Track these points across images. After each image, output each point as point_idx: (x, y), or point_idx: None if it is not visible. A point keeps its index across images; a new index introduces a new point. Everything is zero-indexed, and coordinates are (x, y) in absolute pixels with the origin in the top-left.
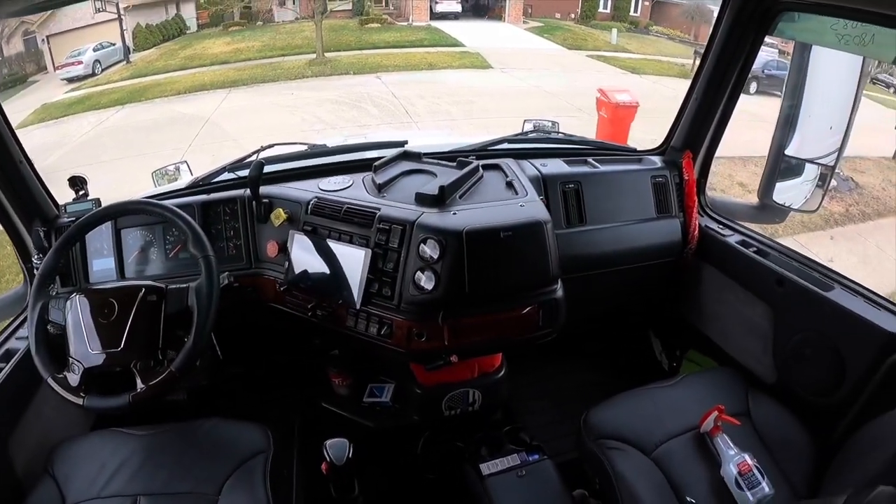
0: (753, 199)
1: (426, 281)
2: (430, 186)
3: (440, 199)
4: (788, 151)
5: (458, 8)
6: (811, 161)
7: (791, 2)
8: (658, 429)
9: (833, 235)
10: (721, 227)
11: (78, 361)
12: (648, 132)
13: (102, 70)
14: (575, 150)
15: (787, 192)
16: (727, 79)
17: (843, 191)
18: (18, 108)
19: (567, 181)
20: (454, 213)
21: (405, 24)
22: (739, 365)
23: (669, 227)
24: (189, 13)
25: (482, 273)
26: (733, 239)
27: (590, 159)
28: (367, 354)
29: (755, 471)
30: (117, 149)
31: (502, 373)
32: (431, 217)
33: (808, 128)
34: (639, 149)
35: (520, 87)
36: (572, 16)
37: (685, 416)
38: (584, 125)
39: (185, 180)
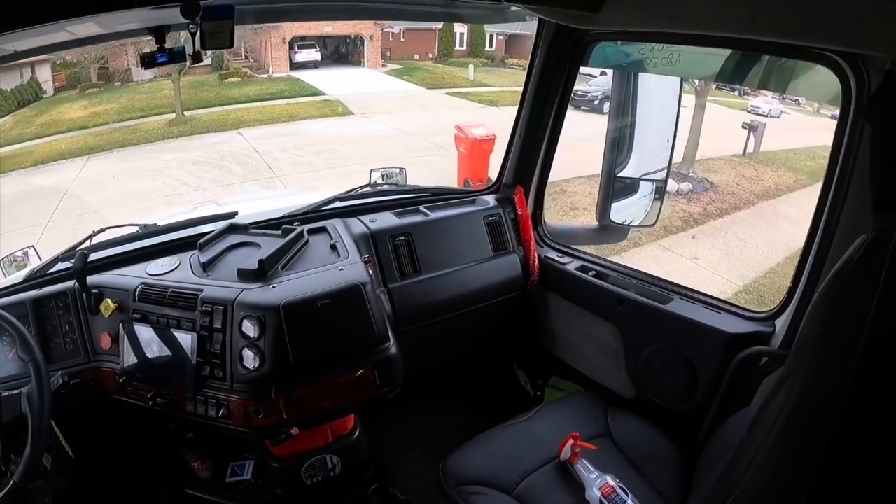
0: (594, 221)
1: (251, 359)
2: (252, 261)
3: (261, 274)
4: (626, 172)
5: (317, 56)
6: (644, 178)
7: (599, 32)
8: (517, 465)
9: (695, 235)
10: (560, 255)
11: None
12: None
13: None
14: (407, 199)
15: (626, 209)
16: (547, 111)
17: (699, 192)
18: None
19: (397, 234)
20: (273, 287)
21: (265, 76)
22: (599, 385)
23: (509, 263)
24: (45, 76)
25: (305, 344)
26: (573, 266)
27: (422, 207)
28: (220, 435)
29: (618, 490)
30: None
31: (357, 433)
32: (251, 294)
33: (645, 146)
34: (474, 188)
35: (382, 131)
36: (430, 56)
37: (544, 447)
38: (445, 161)
39: (34, 265)
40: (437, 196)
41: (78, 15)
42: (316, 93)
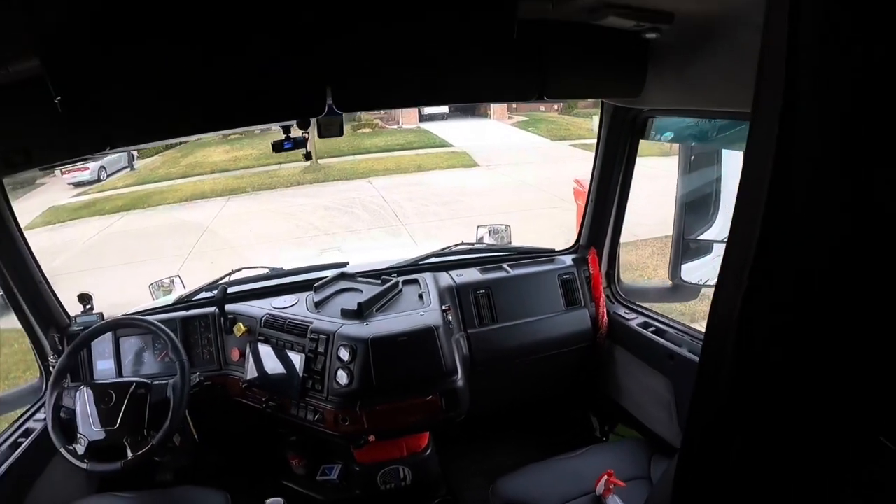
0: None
1: (344, 378)
2: (353, 303)
3: (358, 314)
4: (709, 235)
5: (445, 109)
6: (715, 241)
7: (654, 109)
8: (556, 493)
9: None
10: (627, 311)
11: (84, 436)
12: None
13: (108, 176)
14: (492, 257)
15: (699, 269)
16: (615, 180)
17: None
18: (27, 210)
19: (479, 287)
20: (366, 325)
21: (395, 127)
22: (653, 434)
23: (579, 317)
24: None
25: (386, 370)
26: (636, 322)
27: (505, 265)
28: (317, 440)
29: None
30: (120, 255)
31: (429, 452)
32: (349, 328)
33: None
34: (557, 248)
35: (505, 182)
36: (556, 107)
37: (584, 481)
38: (566, 213)
39: (178, 292)
40: (521, 255)
41: (224, 128)
42: (443, 144)
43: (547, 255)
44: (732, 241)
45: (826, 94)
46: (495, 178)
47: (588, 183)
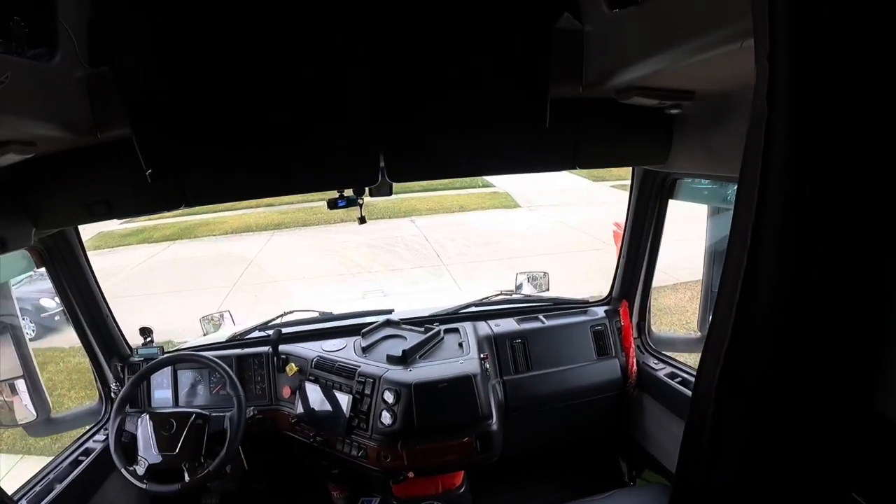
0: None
1: (387, 419)
2: (397, 350)
3: (403, 360)
4: None
5: None
6: None
7: (681, 172)
8: None
9: None
10: (656, 361)
11: (144, 459)
12: (669, 251)
13: None
14: (529, 307)
15: None
16: (645, 236)
17: None
18: None
19: (515, 337)
20: (410, 370)
21: None
22: None
23: (609, 367)
24: None
25: (427, 413)
26: (664, 372)
27: (540, 316)
28: (357, 474)
29: None
30: (168, 282)
31: (463, 489)
32: (394, 373)
33: None
34: (591, 299)
35: (546, 224)
36: None
37: None
38: (605, 255)
39: (227, 326)
40: (556, 305)
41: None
42: (486, 185)
43: (580, 306)
44: (713, 323)
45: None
46: (536, 220)
47: None
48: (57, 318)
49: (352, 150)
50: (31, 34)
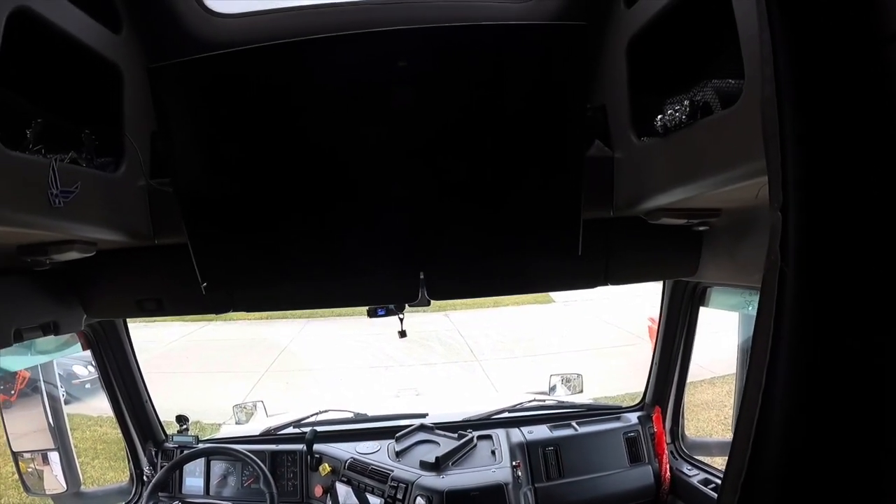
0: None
1: None
2: (431, 456)
3: (436, 466)
4: None
5: None
6: None
7: (710, 283)
8: None
9: None
10: (690, 467)
11: None
12: (704, 343)
13: None
14: (562, 414)
15: None
16: (677, 343)
17: None
18: None
19: (547, 444)
20: (443, 477)
21: None
22: None
23: (642, 473)
24: None
25: None
26: (698, 478)
27: (573, 423)
28: None
29: None
30: (200, 362)
31: None
32: (427, 479)
33: None
34: (625, 405)
35: (581, 319)
36: None
37: None
38: (639, 352)
39: (259, 415)
40: (590, 411)
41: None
42: None
43: (613, 412)
44: (732, 452)
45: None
46: (571, 315)
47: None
48: (87, 385)
49: (394, 272)
50: (100, 145)
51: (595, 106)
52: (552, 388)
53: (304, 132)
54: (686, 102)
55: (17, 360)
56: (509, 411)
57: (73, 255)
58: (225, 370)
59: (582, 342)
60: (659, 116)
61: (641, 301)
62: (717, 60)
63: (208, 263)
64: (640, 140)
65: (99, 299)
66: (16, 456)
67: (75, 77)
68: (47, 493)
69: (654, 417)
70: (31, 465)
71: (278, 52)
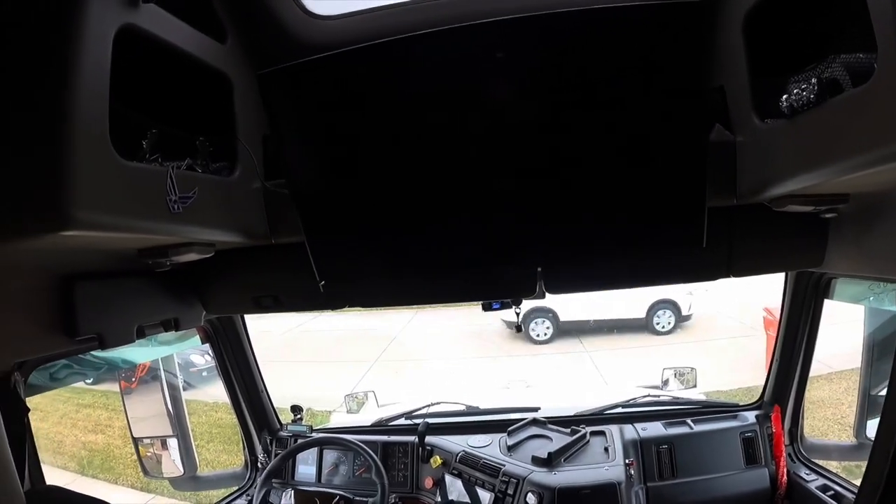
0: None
1: None
2: (543, 451)
3: (548, 462)
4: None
5: None
6: None
7: (837, 273)
8: None
9: None
10: (808, 472)
11: None
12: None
13: None
14: (676, 411)
15: None
16: (799, 338)
17: None
18: None
19: (661, 443)
20: (554, 474)
21: None
22: None
23: (757, 476)
24: None
25: None
26: (816, 484)
27: (688, 420)
28: None
29: None
30: (311, 352)
31: None
32: (538, 475)
33: None
34: (739, 400)
35: (695, 308)
36: None
37: None
38: (755, 343)
39: (369, 405)
40: (706, 408)
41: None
42: None
43: (730, 410)
44: (869, 466)
45: None
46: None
47: (778, 312)
48: (204, 373)
49: (511, 266)
50: (214, 151)
51: (713, 87)
52: (665, 383)
53: (411, 128)
54: (813, 80)
55: (139, 353)
56: (623, 406)
57: (192, 256)
58: (335, 360)
59: (693, 331)
60: (784, 97)
61: (756, 289)
62: (844, 33)
63: (325, 261)
64: (763, 122)
65: (217, 296)
66: (136, 441)
67: (186, 88)
68: (164, 476)
69: (772, 417)
70: (151, 450)
71: (379, 52)
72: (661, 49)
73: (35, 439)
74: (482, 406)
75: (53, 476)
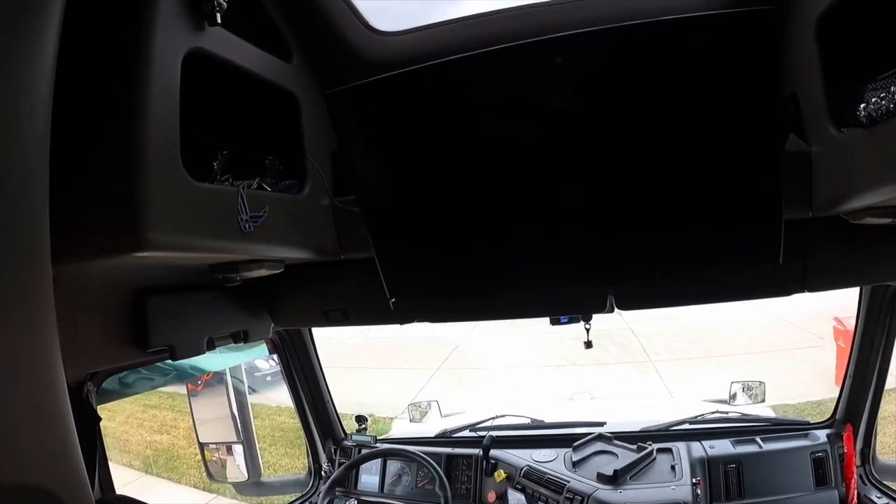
0: None
1: None
2: (609, 468)
3: (613, 480)
4: None
5: None
6: None
7: None
8: None
9: None
10: (878, 495)
11: None
12: None
13: None
14: (745, 428)
15: None
16: (874, 356)
17: None
18: None
19: (730, 461)
20: (620, 492)
21: None
22: None
23: (827, 499)
24: None
25: None
26: None
27: (757, 438)
28: None
29: None
30: (375, 358)
31: None
32: (603, 493)
33: None
34: (807, 414)
35: (758, 321)
36: None
37: None
38: (824, 354)
39: (432, 415)
40: (775, 426)
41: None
42: None
43: (801, 428)
44: None
45: None
46: (747, 316)
47: (851, 321)
48: (268, 378)
49: (581, 282)
50: (283, 169)
51: (786, 95)
52: (732, 397)
53: (478, 143)
54: (893, 89)
55: (208, 361)
56: (690, 423)
57: (262, 272)
58: (398, 366)
59: (761, 343)
60: (862, 105)
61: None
62: None
63: (395, 277)
64: (839, 132)
65: (286, 310)
66: (202, 446)
67: (254, 108)
68: (229, 480)
69: (844, 436)
70: (216, 455)
71: (446, 69)
72: (732, 57)
73: (103, 439)
74: (546, 418)
75: (119, 473)
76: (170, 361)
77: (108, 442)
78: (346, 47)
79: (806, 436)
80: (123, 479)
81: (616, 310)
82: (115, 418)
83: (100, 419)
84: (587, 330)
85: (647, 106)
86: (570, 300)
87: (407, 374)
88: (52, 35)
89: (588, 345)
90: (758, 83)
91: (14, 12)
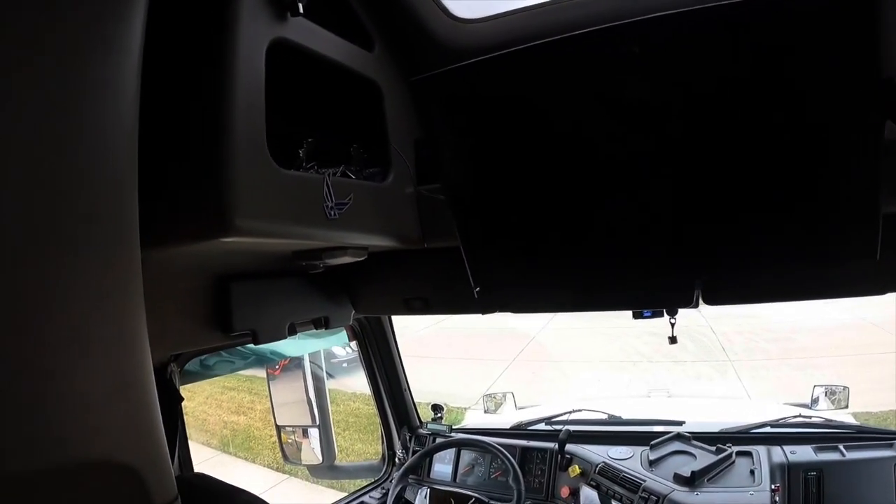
0: None
1: None
2: (686, 469)
3: (691, 481)
4: None
5: None
6: None
7: None
8: None
9: None
10: None
11: None
12: None
13: None
14: (829, 434)
15: None
16: None
17: None
18: None
19: (811, 469)
20: (697, 494)
21: None
22: None
23: None
24: None
25: None
26: None
27: (840, 446)
28: None
29: None
30: (450, 348)
31: None
32: (680, 495)
33: None
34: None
35: (842, 319)
36: None
37: None
38: None
39: (507, 406)
40: (860, 434)
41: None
42: None
43: (888, 437)
44: None
45: None
46: (832, 314)
47: None
48: (345, 364)
49: (668, 275)
50: (367, 157)
51: (883, 79)
52: (814, 401)
53: (559, 132)
54: None
55: (289, 346)
56: (771, 426)
57: (345, 259)
58: (472, 357)
59: (844, 346)
60: None
61: None
62: None
63: (480, 267)
64: None
65: (368, 298)
66: (279, 428)
67: (338, 96)
68: (303, 463)
69: None
70: (292, 438)
71: (527, 56)
72: (831, 40)
73: (184, 418)
74: (623, 415)
75: (197, 451)
76: (250, 346)
77: (187, 421)
78: (427, 35)
79: (891, 446)
80: (201, 457)
81: (701, 304)
82: (195, 398)
83: (182, 399)
84: (672, 324)
85: (743, 91)
86: (656, 293)
87: (480, 365)
88: (139, 25)
89: (673, 340)
90: (857, 67)
91: (103, 2)
